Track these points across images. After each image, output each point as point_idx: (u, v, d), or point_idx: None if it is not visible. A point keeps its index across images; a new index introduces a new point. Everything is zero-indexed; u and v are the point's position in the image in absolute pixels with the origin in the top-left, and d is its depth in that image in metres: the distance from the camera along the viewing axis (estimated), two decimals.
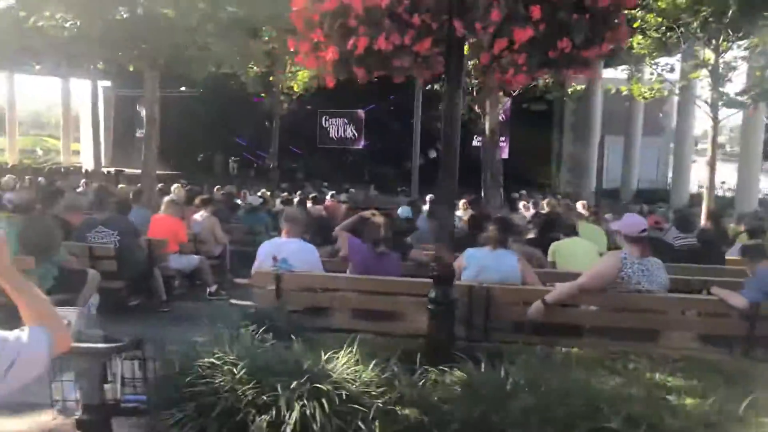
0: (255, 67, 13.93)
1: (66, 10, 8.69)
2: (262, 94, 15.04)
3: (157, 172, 25.55)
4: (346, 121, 28.48)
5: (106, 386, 2.45)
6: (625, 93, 13.79)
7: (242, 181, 22.38)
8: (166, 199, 8.00)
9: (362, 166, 26.75)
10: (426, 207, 10.87)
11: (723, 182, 23.94)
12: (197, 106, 26.55)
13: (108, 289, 6.17)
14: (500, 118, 22.94)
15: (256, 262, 5.32)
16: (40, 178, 18.19)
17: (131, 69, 10.87)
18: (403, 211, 9.60)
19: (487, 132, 9.06)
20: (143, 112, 29.28)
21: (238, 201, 12.14)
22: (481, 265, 4.88)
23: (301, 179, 25.96)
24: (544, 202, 12.79)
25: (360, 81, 4.00)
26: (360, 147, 28.09)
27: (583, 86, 12.44)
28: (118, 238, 6.51)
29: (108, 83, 28.46)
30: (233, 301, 7.79)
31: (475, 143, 24.79)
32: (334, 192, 15.10)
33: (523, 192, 17.43)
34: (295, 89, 14.76)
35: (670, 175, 23.91)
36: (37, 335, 1.78)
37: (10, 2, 11.14)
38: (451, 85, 3.81)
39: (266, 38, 13.25)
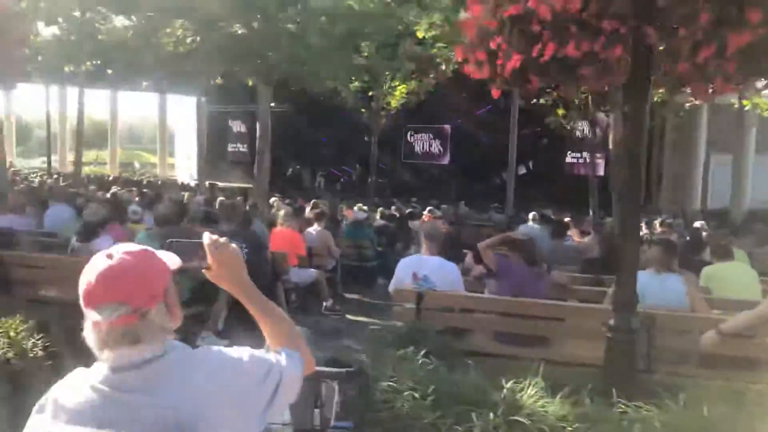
0: (356, 82, 14.00)
1: (186, 26, 8.91)
2: (362, 110, 15.07)
3: (245, 185, 26.27)
4: (431, 136, 28.32)
5: (315, 411, 2.31)
6: (740, 106, 12.87)
7: (331, 196, 22.53)
8: (283, 212, 8.00)
9: (449, 181, 26.48)
10: (533, 224, 10.47)
11: None
12: (285, 121, 27.02)
13: (236, 302, 6.16)
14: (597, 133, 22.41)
15: (395, 279, 5.15)
16: (145, 190, 18.88)
17: (249, 83, 11.09)
18: (527, 229, 9.19)
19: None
20: (235, 128, 30.39)
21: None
22: (644, 289, 4.52)
23: (389, 195, 25.97)
24: (657, 223, 12.17)
25: (530, 91, 3.78)
26: (445, 162, 27.81)
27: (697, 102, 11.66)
28: (247, 251, 6.49)
29: (201, 98, 29.42)
30: (348, 316, 7.69)
31: (568, 159, 24.18)
32: (431, 207, 14.88)
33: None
34: (393, 105, 14.70)
35: None
36: (292, 357, 1.65)
37: (126, 22, 11.64)
38: (638, 94, 3.53)
39: (365, 54, 13.29)
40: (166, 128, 30.64)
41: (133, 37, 9.90)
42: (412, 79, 13.03)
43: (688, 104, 12.10)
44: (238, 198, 15.41)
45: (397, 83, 14.20)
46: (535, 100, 13.01)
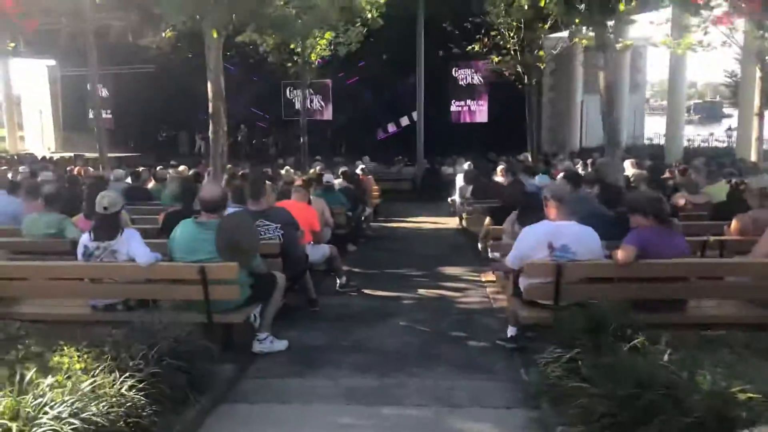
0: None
1: None
2: (289, 64, 13.46)
3: (116, 154, 23.28)
4: (311, 91, 26.84)
5: None
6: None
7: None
8: (296, 183, 6.71)
9: (336, 138, 25.47)
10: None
11: None
12: (151, 82, 24.21)
13: None
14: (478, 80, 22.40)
15: (520, 251, 4.26)
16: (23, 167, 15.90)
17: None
18: (540, 179, 8.38)
19: (601, 89, 8.12)
20: (98, 93, 26.66)
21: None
22: None
23: (274, 155, 24.39)
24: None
25: None
26: (329, 119, 26.56)
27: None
28: (281, 231, 5.26)
29: (52, 62, 25.44)
30: (366, 291, 6.67)
31: (453, 108, 23.89)
32: (361, 165, 13.92)
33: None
34: (313, 58, 13.27)
35: (645, 130, 24.12)
36: None
37: None
38: None
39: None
40: (12, 96, 26.16)
41: None
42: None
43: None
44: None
45: (318, 35, 12.82)
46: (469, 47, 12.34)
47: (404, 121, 25.09)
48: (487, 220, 5.88)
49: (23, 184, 7.41)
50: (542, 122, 22.01)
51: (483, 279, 7.05)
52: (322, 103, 26.79)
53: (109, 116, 26.33)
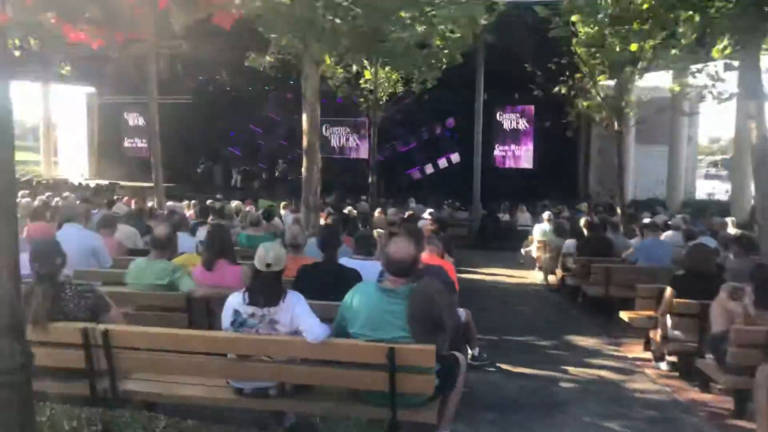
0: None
1: None
2: (362, 100, 12.51)
3: (150, 184, 22.40)
4: (349, 130, 26.16)
5: None
6: None
7: (248, 195, 19.63)
8: (427, 228, 5.68)
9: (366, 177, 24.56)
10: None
11: None
12: (188, 113, 23.45)
13: None
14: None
15: None
16: (48, 194, 14.99)
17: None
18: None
19: (753, 141, 7.05)
20: (131, 121, 25.95)
21: None
22: None
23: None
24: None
25: None
26: (365, 157, 25.71)
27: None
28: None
29: (92, 90, 24.78)
30: (503, 366, 5.53)
31: (497, 152, 22.88)
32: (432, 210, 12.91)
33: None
34: (381, 95, 12.32)
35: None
36: None
37: None
38: None
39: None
40: (50, 122, 25.42)
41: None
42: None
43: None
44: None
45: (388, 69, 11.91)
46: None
47: (442, 162, 24.27)
48: (668, 291, 4.82)
49: (101, 217, 6.39)
50: (589, 171, 21.13)
51: (629, 354, 5.97)
52: (358, 142, 26.06)
53: (144, 145, 25.57)
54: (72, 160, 26.14)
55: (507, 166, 22.00)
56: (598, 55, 10.09)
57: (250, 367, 3.39)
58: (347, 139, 26.18)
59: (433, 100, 18.25)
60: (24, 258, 4.41)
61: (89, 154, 25.57)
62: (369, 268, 4.72)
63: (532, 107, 21.09)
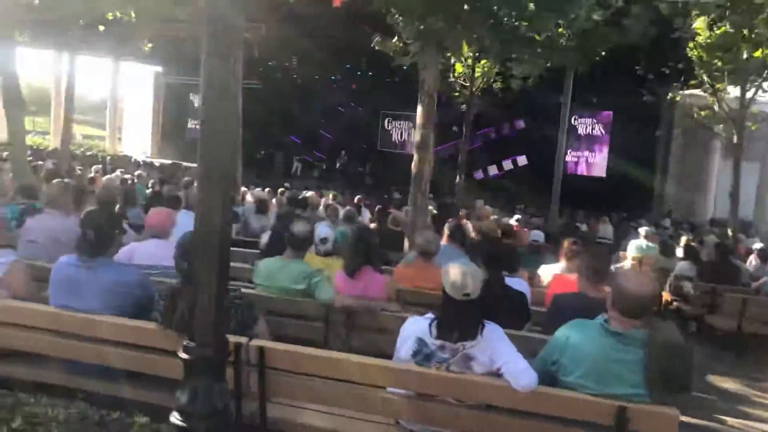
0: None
1: None
2: (457, 91, 11.83)
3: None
4: (411, 124, 25.44)
5: None
6: None
7: (307, 184, 19.14)
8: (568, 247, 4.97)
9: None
10: None
11: None
12: (254, 99, 23.11)
13: None
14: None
15: None
16: (119, 170, 14.68)
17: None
18: None
19: None
20: (197, 102, 25.74)
21: None
22: None
23: (370, 185, 22.91)
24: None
25: None
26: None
27: None
28: None
29: (159, 69, 24.72)
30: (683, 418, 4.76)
31: (568, 157, 21.88)
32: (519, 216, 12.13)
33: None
34: (479, 86, 11.56)
35: None
36: None
37: None
38: None
39: None
40: (117, 98, 25.47)
41: None
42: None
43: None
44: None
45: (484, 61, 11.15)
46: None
47: (507, 164, 23.40)
48: None
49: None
50: (666, 184, 19.99)
51: None
52: None
53: None
54: (135, 138, 26.18)
55: (579, 172, 21.00)
56: (720, 62, 9.20)
57: (430, 408, 2.75)
58: (409, 134, 25.50)
59: (503, 98, 17.45)
60: (149, 248, 3.93)
61: (153, 132, 25.55)
62: (521, 288, 4.08)
63: (611, 113, 20.07)
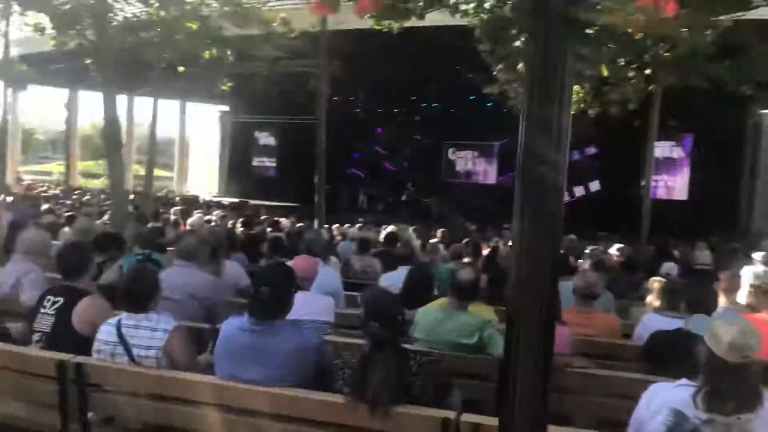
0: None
1: None
2: None
3: (275, 203, 22.07)
4: (476, 153, 24.95)
5: None
6: None
7: (374, 218, 18.77)
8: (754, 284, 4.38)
9: (503, 203, 23.07)
10: None
11: None
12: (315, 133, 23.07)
13: None
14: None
15: None
16: (197, 212, 14.64)
17: None
18: None
19: None
20: (262, 140, 26.04)
21: None
22: None
23: (437, 217, 22.36)
24: None
25: None
26: (493, 182, 24.41)
27: None
28: None
29: (225, 108, 25.12)
30: None
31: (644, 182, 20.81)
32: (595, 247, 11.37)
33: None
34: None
35: None
36: None
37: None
38: None
39: None
40: (184, 138, 26.01)
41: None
42: None
43: None
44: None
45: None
46: None
47: (579, 190, 22.53)
48: None
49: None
50: (754, 208, 18.75)
51: None
52: (487, 166, 24.83)
53: (273, 164, 25.52)
54: (201, 177, 26.58)
55: (657, 197, 19.98)
56: None
57: None
58: (474, 164, 24.97)
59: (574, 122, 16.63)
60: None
61: (219, 171, 25.88)
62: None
63: (692, 135, 19.13)
